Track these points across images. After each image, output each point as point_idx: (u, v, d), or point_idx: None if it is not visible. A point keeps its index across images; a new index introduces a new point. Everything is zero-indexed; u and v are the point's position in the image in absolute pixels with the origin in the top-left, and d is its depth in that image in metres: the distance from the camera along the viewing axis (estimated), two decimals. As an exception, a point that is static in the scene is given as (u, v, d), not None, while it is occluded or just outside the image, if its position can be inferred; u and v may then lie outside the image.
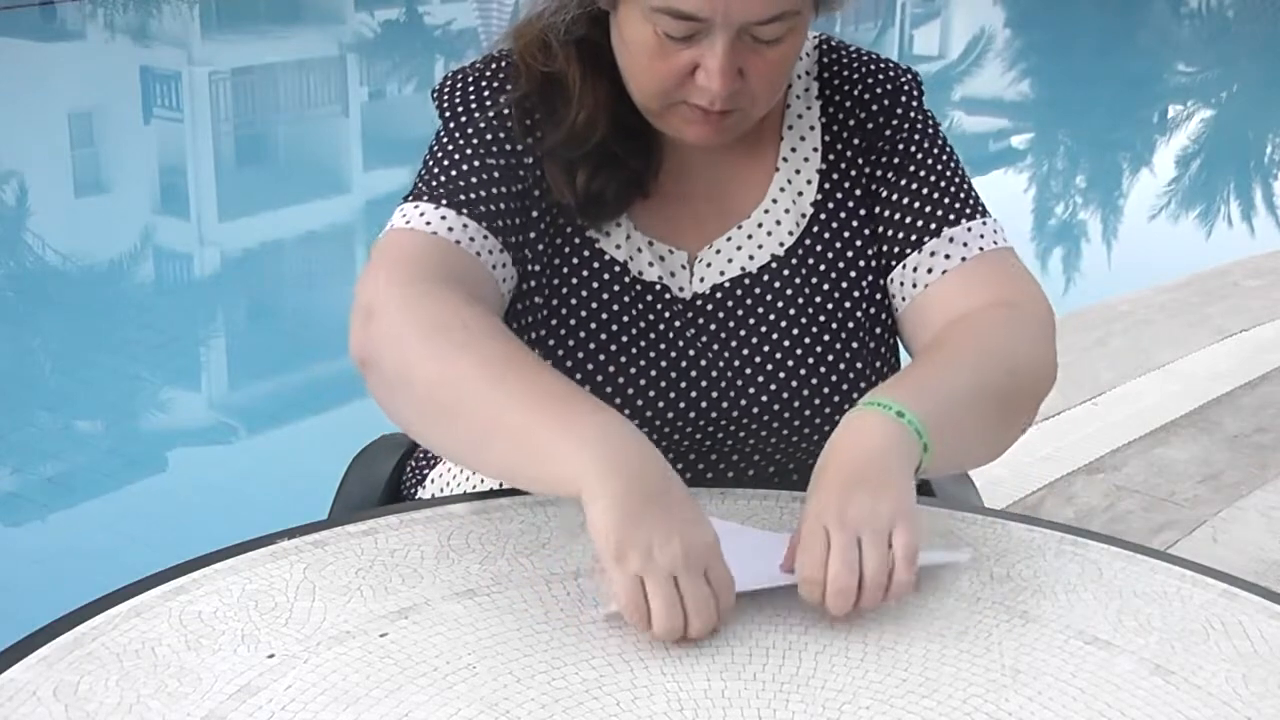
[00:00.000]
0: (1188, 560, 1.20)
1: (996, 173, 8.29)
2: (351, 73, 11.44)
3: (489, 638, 1.05)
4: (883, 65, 1.40)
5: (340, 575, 1.13)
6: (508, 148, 1.32)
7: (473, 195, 1.28)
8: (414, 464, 1.54)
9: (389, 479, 1.55)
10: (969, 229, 1.33)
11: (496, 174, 1.30)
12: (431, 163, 1.32)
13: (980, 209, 1.35)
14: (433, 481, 1.46)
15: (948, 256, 1.32)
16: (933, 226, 1.33)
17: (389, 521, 1.23)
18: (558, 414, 1.06)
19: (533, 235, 1.32)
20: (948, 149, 1.38)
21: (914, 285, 1.33)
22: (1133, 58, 12.23)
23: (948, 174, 1.36)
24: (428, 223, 1.26)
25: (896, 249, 1.35)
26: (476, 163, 1.31)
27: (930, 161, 1.36)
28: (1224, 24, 15.07)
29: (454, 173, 1.30)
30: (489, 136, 1.32)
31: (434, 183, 1.29)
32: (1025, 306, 1.30)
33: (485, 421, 1.10)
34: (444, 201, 1.27)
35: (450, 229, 1.25)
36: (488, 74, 1.36)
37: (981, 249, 1.32)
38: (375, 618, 1.07)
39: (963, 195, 1.35)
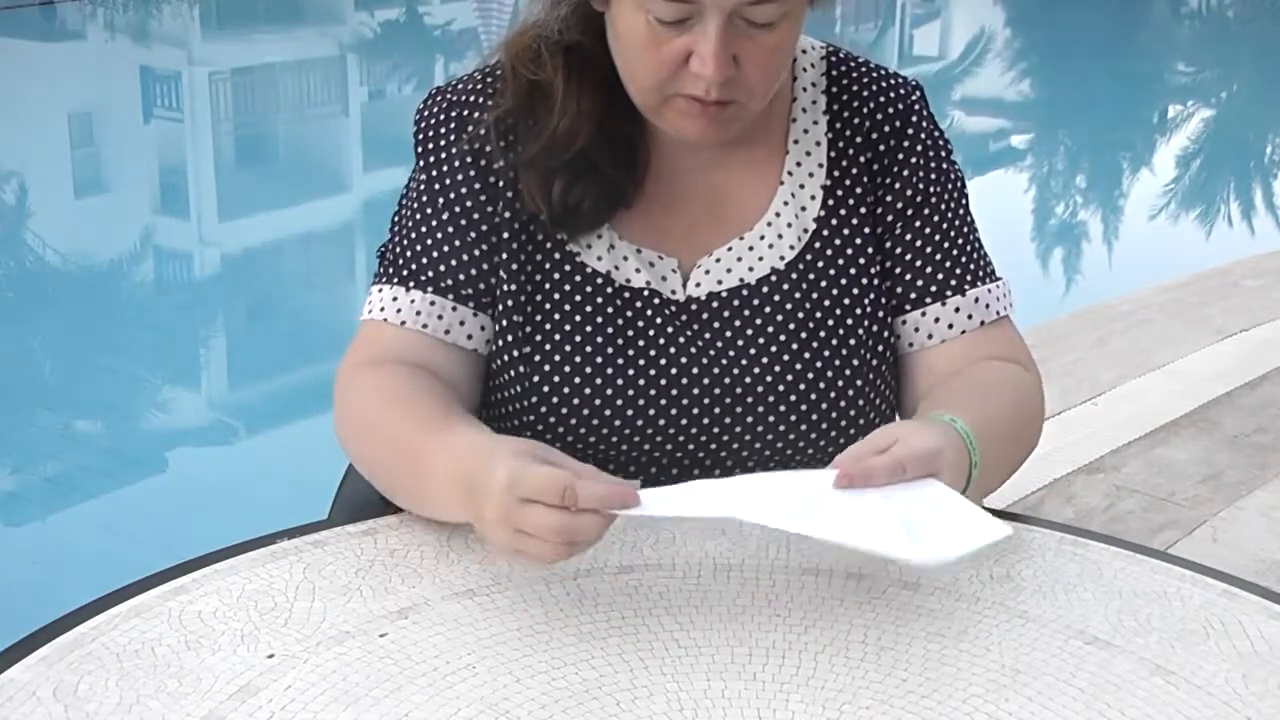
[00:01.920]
0: (1188, 560, 1.20)
1: (996, 173, 8.28)
2: (351, 73, 11.43)
3: (489, 638, 1.05)
4: (891, 82, 1.38)
5: (340, 575, 1.14)
6: (476, 186, 1.33)
7: (441, 268, 1.33)
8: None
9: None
10: (990, 291, 1.38)
11: (464, 223, 1.33)
12: (400, 228, 1.37)
13: (994, 271, 1.41)
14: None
15: (969, 316, 1.36)
16: (952, 284, 1.36)
17: (389, 521, 1.23)
18: (421, 469, 1.18)
19: (505, 256, 1.32)
20: (963, 192, 1.40)
21: (929, 336, 1.36)
22: (1133, 58, 12.23)
23: (968, 230, 1.39)
24: (398, 310, 1.33)
25: (914, 295, 1.36)
26: (446, 215, 1.33)
27: (950, 210, 1.37)
28: (1224, 24, 15.06)
29: (419, 247, 1.34)
30: (460, 171, 1.33)
31: (403, 257, 1.35)
32: (1029, 369, 1.38)
33: (400, 490, 1.24)
34: (411, 284, 1.34)
35: (418, 313, 1.33)
36: (468, 94, 1.36)
37: (998, 314, 1.38)
38: (375, 618, 1.07)
39: (980, 255, 1.40)
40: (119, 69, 10.77)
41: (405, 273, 1.34)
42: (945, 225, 1.37)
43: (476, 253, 1.33)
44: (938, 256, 1.36)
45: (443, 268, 1.33)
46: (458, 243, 1.33)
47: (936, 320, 1.35)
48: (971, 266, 1.37)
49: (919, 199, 1.36)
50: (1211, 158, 8.55)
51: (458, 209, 1.33)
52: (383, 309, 1.34)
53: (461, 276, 1.33)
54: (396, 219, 1.38)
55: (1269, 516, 3.11)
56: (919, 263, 1.36)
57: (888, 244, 1.36)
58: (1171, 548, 2.89)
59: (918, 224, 1.36)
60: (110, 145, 8.26)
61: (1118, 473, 3.30)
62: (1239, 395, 3.80)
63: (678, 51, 1.21)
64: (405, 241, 1.35)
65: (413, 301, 1.33)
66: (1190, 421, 3.61)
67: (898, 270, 1.36)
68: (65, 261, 6.10)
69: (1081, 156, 8.92)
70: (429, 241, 1.34)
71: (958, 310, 1.35)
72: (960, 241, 1.37)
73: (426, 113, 1.37)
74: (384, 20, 13.27)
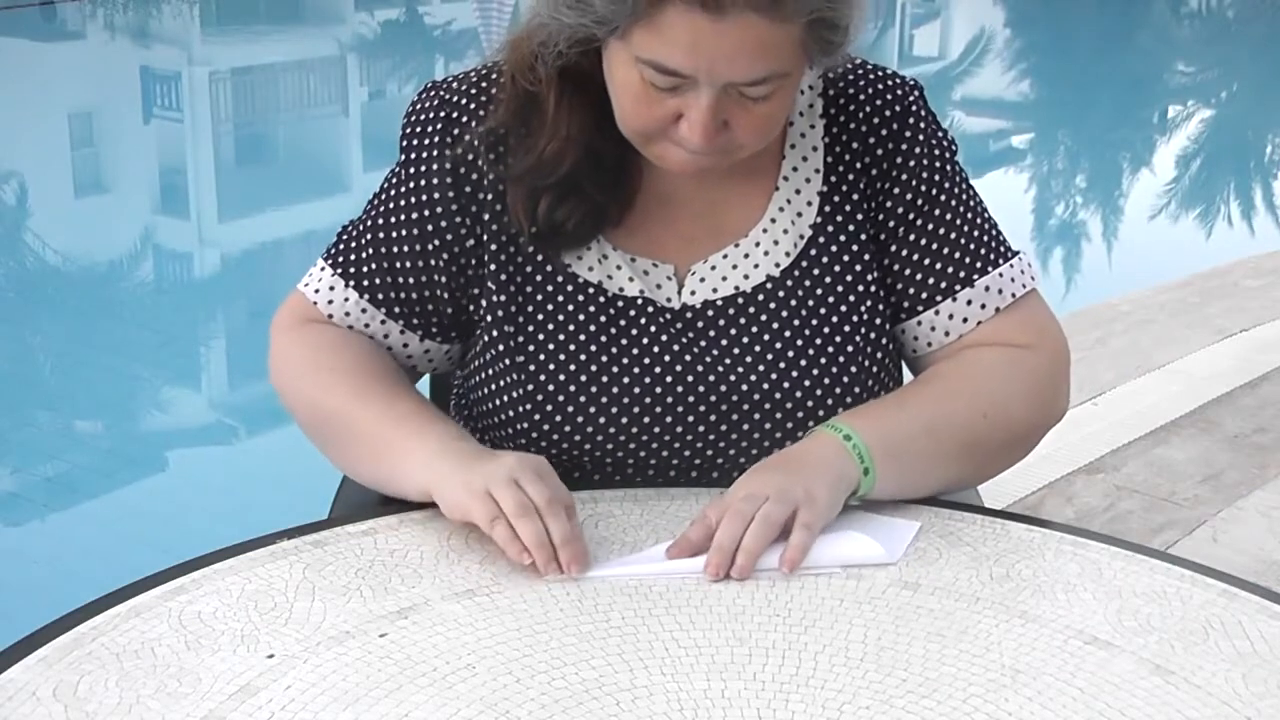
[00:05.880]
0: (1188, 560, 1.20)
1: (996, 173, 8.28)
2: (351, 73, 11.43)
3: (489, 638, 1.05)
4: (890, 84, 1.36)
5: (340, 575, 1.14)
6: (450, 195, 1.32)
7: (383, 280, 1.36)
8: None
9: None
10: (1001, 275, 1.35)
11: (429, 231, 1.33)
12: (367, 215, 1.37)
13: (1008, 250, 1.37)
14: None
15: (983, 306, 1.34)
16: (961, 276, 1.34)
17: (389, 521, 1.23)
18: (399, 439, 1.25)
19: (494, 268, 1.32)
20: (966, 181, 1.37)
21: (945, 334, 1.35)
22: (1133, 58, 12.22)
23: (973, 216, 1.36)
24: (330, 301, 1.37)
25: (925, 295, 1.35)
26: (413, 229, 1.34)
27: (955, 204, 1.35)
28: (1224, 24, 15.05)
29: (372, 248, 1.36)
30: (437, 176, 1.33)
31: (355, 248, 1.37)
32: (1038, 349, 1.35)
33: (347, 452, 1.31)
34: (350, 282, 1.37)
35: (347, 313, 1.37)
36: (462, 95, 1.34)
37: (1014, 295, 1.35)
38: (375, 618, 1.07)
39: (990, 239, 1.36)
40: (119, 69, 10.77)
41: (351, 269, 1.37)
42: (951, 219, 1.35)
43: (435, 269, 1.34)
44: (945, 251, 1.34)
45: (385, 280, 1.35)
46: (412, 262, 1.34)
47: (950, 317, 1.34)
48: (982, 252, 1.35)
49: (920, 200, 1.34)
50: (1211, 158, 8.55)
51: (428, 221, 1.33)
52: (317, 292, 1.37)
53: (400, 295, 1.35)
54: (369, 203, 1.38)
55: (1269, 516, 3.11)
56: (927, 261, 1.34)
57: (892, 247, 1.34)
58: (1171, 548, 2.89)
59: (920, 223, 1.34)
60: (110, 145, 8.25)
61: (1118, 473, 3.30)
62: (1239, 395, 3.80)
63: (669, 111, 1.20)
64: (366, 237, 1.36)
65: (346, 299, 1.36)
66: (1190, 421, 3.61)
67: (907, 271, 1.35)
68: (65, 261, 6.10)
69: (1081, 156, 8.91)
70: (384, 248, 1.35)
71: (969, 303, 1.34)
72: (968, 230, 1.35)
73: (419, 107, 1.37)
74: (384, 20, 13.27)
